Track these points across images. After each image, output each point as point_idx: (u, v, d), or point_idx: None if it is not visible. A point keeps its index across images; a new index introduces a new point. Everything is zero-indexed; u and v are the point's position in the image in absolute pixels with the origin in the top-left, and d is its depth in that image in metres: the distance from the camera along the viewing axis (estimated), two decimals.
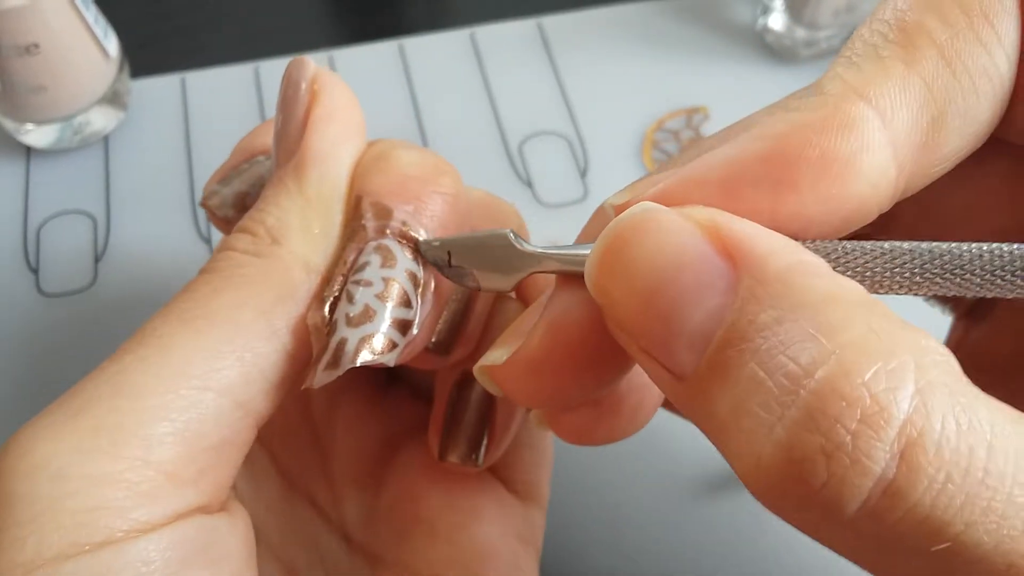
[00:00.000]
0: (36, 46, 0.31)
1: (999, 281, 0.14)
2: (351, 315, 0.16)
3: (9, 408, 0.30)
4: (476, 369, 0.18)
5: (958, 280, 0.15)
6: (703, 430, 0.14)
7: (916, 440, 0.11)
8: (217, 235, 0.33)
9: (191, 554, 0.15)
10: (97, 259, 0.33)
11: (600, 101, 0.37)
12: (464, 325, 0.19)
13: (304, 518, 0.21)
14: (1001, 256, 0.14)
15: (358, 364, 0.16)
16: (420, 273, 0.17)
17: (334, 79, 0.19)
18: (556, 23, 0.40)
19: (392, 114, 0.37)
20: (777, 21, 0.37)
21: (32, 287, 0.32)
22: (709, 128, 0.36)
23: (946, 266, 0.15)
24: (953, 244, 0.15)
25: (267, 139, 0.20)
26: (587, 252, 0.14)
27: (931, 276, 0.15)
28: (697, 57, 0.38)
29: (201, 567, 0.15)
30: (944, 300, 0.21)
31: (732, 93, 0.37)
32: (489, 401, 0.20)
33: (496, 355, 0.17)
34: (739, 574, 0.27)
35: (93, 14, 0.32)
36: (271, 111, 0.36)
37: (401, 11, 0.42)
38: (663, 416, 0.30)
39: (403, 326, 0.17)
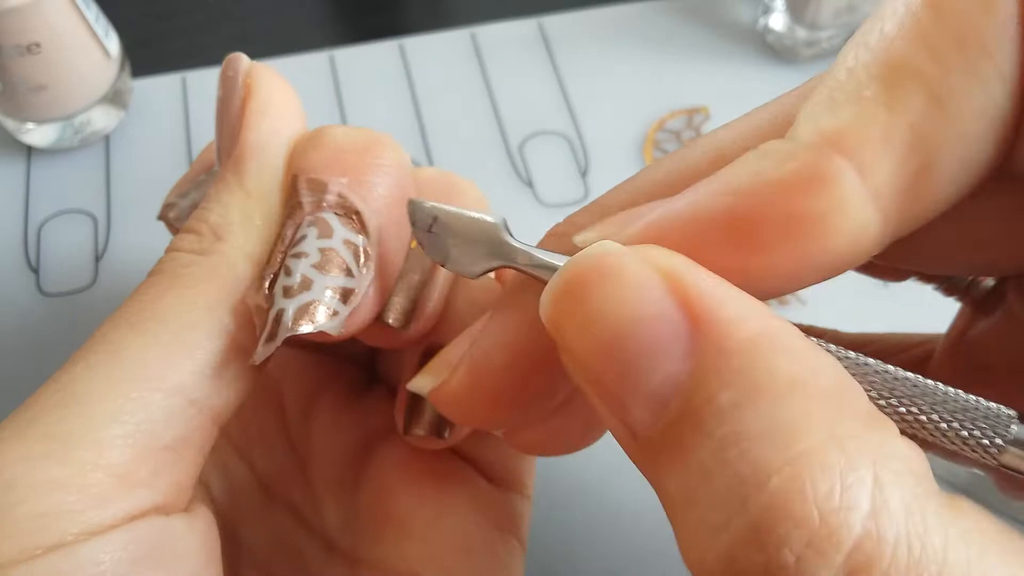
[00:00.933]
0: (37, 45, 0.31)
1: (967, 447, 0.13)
2: (288, 286, 0.17)
3: (9, 408, 0.30)
4: (407, 385, 0.17)
5: (931, 427, 0.13)
6: (655, 491, 0.13)
7: (863, 566, 0.11)
8: None
9: (143, 555, 0.15)
10: (97, 259, 0.33)
11: (601, 101, 0.37)
12: (424, 300, 0.19)
13: (285, 527, 0.21)
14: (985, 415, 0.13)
15: (299, 332, 0.16)
16: (360, 242, 0.17)
17: (267, 71, 0.19)
18: (557, 23, 0.40)
19: (392, 114, 0.37)
20: (778, 21, 0.37)
21: (32, 287, 0.32)
22: (710, 128, 0.36)
23: (923, 407, 0.13)
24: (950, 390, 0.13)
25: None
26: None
27: (899, 407, 0.14)
28: (698, 57, 0.38)
29: (154, 567, 0.15)
30: (951, 289, 0.21)
31: (733, 93, 0.37)
32: None
33: (420, 383, 0.17)
34: None
35: (94, 13, 0.32)
36: None
37: (401, 11, 0.42)
38: None
39: (344, 295, 0.17)
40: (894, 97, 0.13)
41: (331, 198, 0.18)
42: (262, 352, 0.16)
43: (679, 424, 0.12)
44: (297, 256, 0.17)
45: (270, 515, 0.21)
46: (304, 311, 0.16)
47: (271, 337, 0.16)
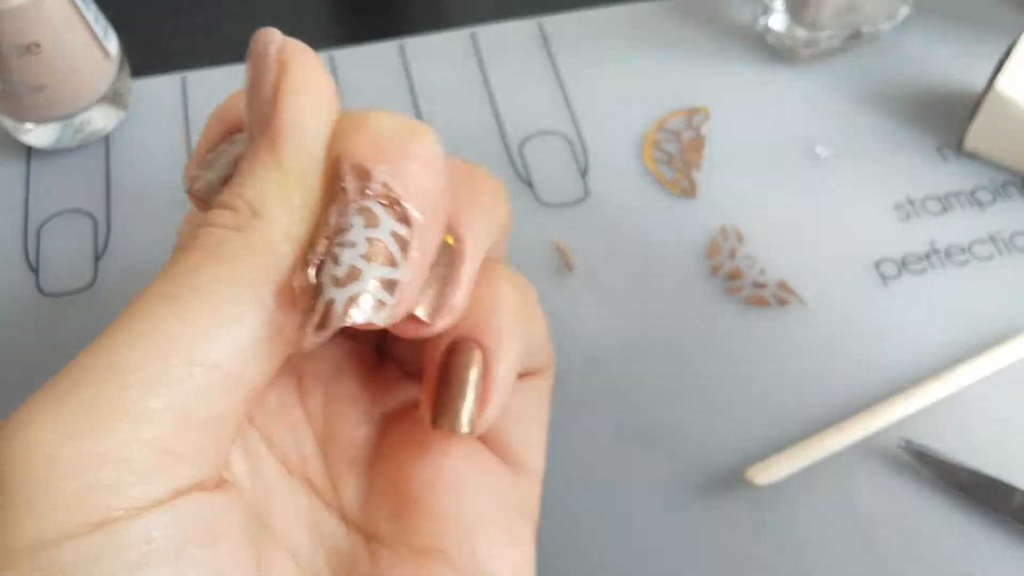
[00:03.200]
0: (37, 45, 0.31)
1: None
2: (337, 276, 0.16)
3: (9, 408, 0.30)
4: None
5: None
6: None
7: None
8: None
9: (191, 532, 0.15)
10: (97, 258, 0.33)
11: (601, 101, 0.37)
12: (453, 293, 0.19)
13: (302, 502, 0.21)
14: None
15: (348, 324, 0.16)
16: (404, 233, 0.17)
17: (302, 48, 0.19)
18: (557, 23, 0.40)
19: None
20: (778, 21, 0.37)
21: (32, 287, 0.32)
22: (710, 128, 0.36)
23: None
24: None
25: (241, 112, 0.20)
26: None
27: None
28: (698, 57, 0.38)
29: (201, 545, 0.15)
30: None
31: (733, 93, 0.37)
32: (482, 367, 0.20)
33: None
34: (739, 574, 0.27)
35: (93, 13, 0.32)
36: None
37: (401, 11, 0.42)
38: (664, 416, 0.30)
39: (390, 286, 0.17)
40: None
41: (376, 187, 0.17)
42: (312, 340, 0.16)
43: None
44: (344, 245, 0.17)
45: (287, 490, 0.21)
46: (353, 301, 0.16)
47: (322, 326, 0.16)
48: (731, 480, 0.29)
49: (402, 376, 0.23)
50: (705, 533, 0.28)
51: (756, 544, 0.28)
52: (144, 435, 0.15)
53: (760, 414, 0.30)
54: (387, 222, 0.17)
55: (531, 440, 0.23)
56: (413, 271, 0.17)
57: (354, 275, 0.17)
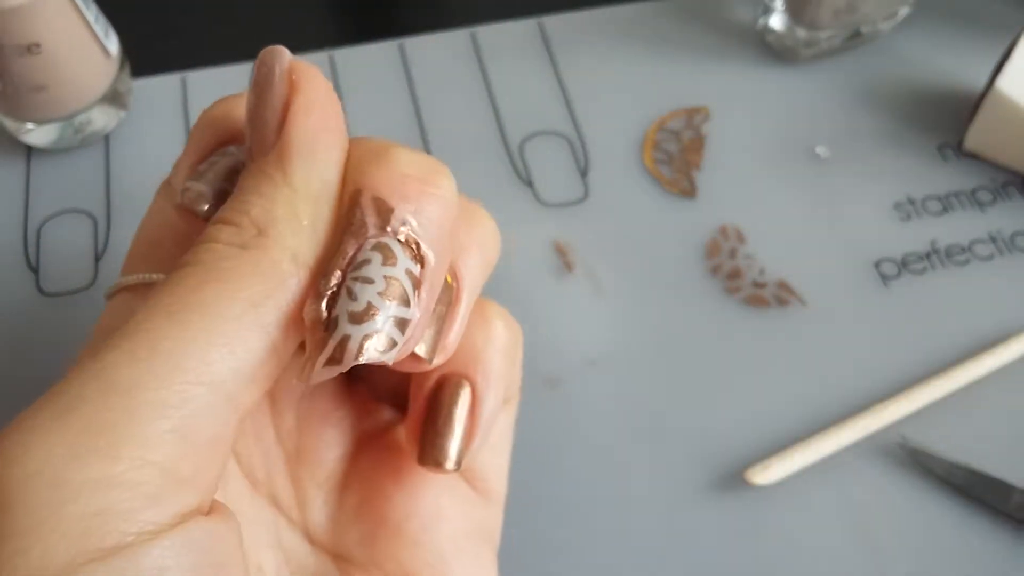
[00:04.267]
0: (37, 45, 0.31)
1: None
2: (354, 312, 0.16)
3: (10, 408, 0.30)
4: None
5: None
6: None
7: None
8: None
9: (200, 559, 0.15)
10: (98, 258, 0.33)
11: (601, 101, 0.37)
12: (449, 332, 0.19)
13: (267, 519, 0.21)
14: None
15: (360, 362, 0.16)
16: (418, 272, 0.17)
17: (312, 69, 0.18)
18: (557, 23, 0.40)
19: (392, 114, 0.37)
20: (778, 21, 0.37)
21: (32, 287, 0.32)
22: (710, 128, 0.36)
23: None
24: None
25: (232, 121, 0.20)
26: None
27: None
28: (698, 57, 0.38)
29: (211, 573, 0.15)
30: None
31: (733, 93, 0.37)
32: (469, 404, 0.20)
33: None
34: (739, 574, 0.27)
35: (94, 13, 0.32)
36: None
37: (401, 11, 0.42)
38: (664, 416, 0.30)
39: (402, 324, 0.17)
40: None
41: (396, 224, 0.17)
42: (321, 374, 0.16)
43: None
44: (362, 281, 0.17)
45: (253, 506, 0.21)
46: (368, 339, 0.16)
47: (335, 361, 0.16)
48: (731, 480, 0.29)
49: (373, 398, 0.23)
50: (705, 533, 0.28)
51: (756, 544, 0.28)
52: (152, 457, 0.15)
53: (760, 414, 0.30)
54: (403, 260, 0.17)
55: (499, 468, 0.23)
56: (423, 311, 0.17)
57: (371, 313, 0.16)
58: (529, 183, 0.35)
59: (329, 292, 0.17)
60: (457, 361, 0.20)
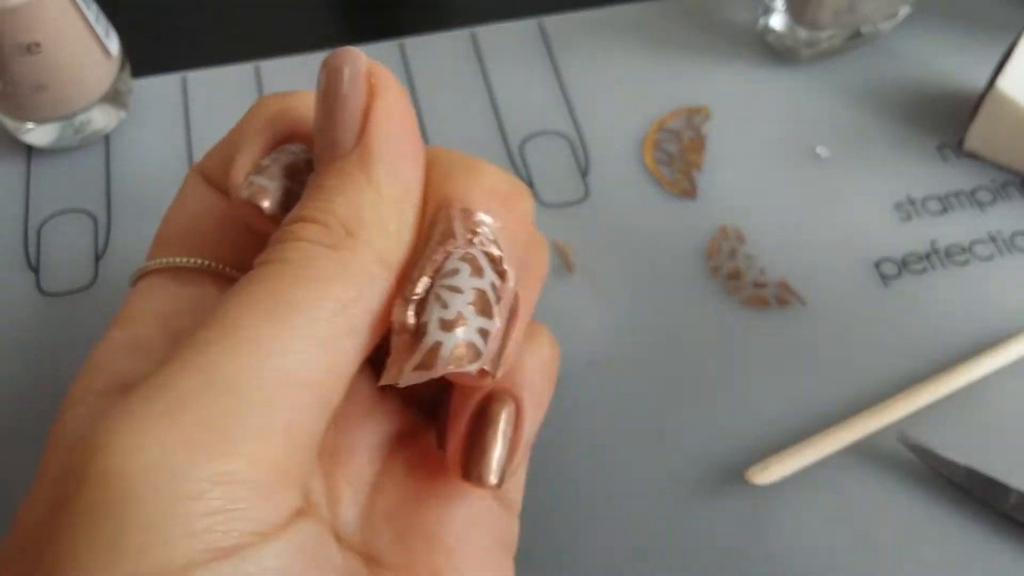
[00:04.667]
0: (37, 45, 0.31)
1: None
2: (445, 319, 0.16)
3: (9, 407, 0.30)
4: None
5: None
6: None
7: None
8: None
9: (307, 558, 0.15)
10: (98, 258, 0.33)
11: (601, 101, 0.37)
12: (508, 347, 0.19)
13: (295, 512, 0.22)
14: None
15: (449, 370, 0.16)
16: (499, 286, 0.18)
17: (388, 73, 0.19)
18: (557, 23, 0.40)
19: None
20: (778, 21, 0.37)
21: (32, 286, 0.32)
22: (710, 128, 0.36)
23: None
24: None
25: (291, 119, 0.20)
26: None
27: None
28: (698, 57, 0.38)
29: (316, 574, 0.15)
30: None
31: (733, 93, 0.37)
32: (515, 420, 0.21)
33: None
34: (739, 574, 0.27)
35: (94, 13, 0.32)
36: None
37: (401, 11, 0.42)
38: (664, 416, 0.30)
39: (485, 336, 0.17)
40: None
41: (483, 238, 0.18)
42: (410, 378, 0.16)
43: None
44: (453, 290, 0.17)
45: (282, 499, 0.22)
46: (459, 348, 0.16)
47: (424, 367, 0.16)
48: (731, 480, 0.29)
49: (403, 402, 0.23)
50: (705, 533, 0.28)
51: (756, 544, 0.28)
52: (265, 456, 0.15)
53: (760, 414, 0.30)
54: (489, 273, 0.17)
55: (519, 480, 0.23)
56: (500, 324, 0.18)
57: (460, 322, 0.17)
58: (529, 183, 0.35)
59: (416, 298, 0.17)
60: (504, 378, 0.20)
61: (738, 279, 0.33)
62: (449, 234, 0.17)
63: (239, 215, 0.20)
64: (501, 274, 0.18)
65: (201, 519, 0.14)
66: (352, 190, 0.17)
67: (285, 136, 0.20)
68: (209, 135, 0.36)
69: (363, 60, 0.18)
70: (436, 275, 0.17)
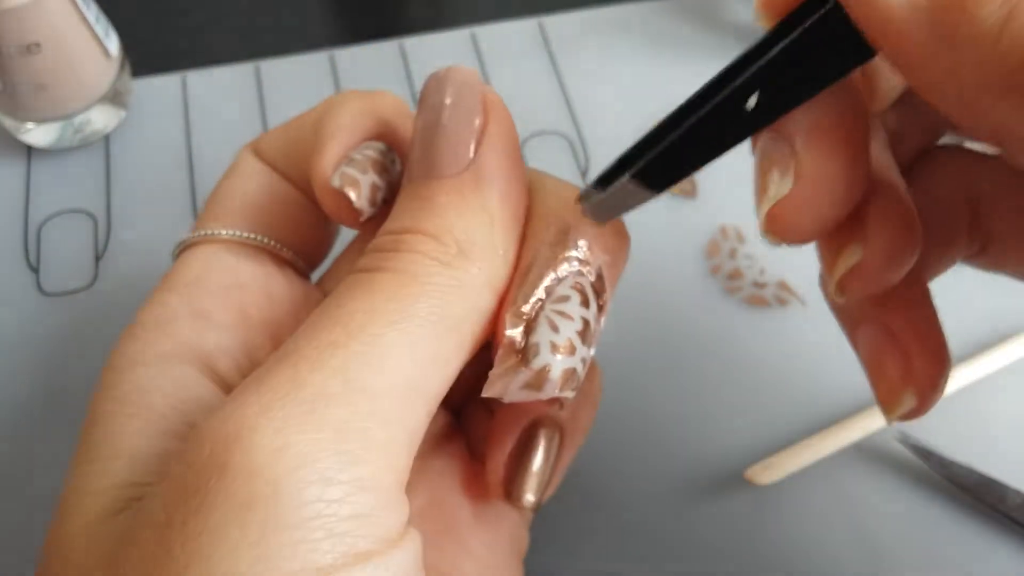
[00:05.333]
0: (37, 45, 0.31)
1: None
2: (556, 343, 0.17)
3: (9, 407, 0.30)
4: (762, 225, 0.17)
5: None
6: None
7: None
8: None
9: (419, 566, 0.15)
10: (98, 258, 0.33)
11: (601, 101, 0.37)
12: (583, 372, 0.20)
13: None
14: None
15: (556, 394, 0.17)
16: (597, 317, 0.18)
17: (499, 98, 0.19)
18: (557, 23, 0.40)
19: None
20: None
21: (32, 286, 0.32)
22: None
23: None
24: None
25: (377, 120, 0.20)
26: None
27: None
28: (698, 57, 0.38)
29: None
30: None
31: None
32: (559, 447, 0.21)
33: (776, 189, 0.17)
34: (739, 574, 0.27)
35: (94, 13, 0.32)
36: (272, 110, 0.36)
37: (402, 11, 0.42)
38: (664, 416, 0.30)
39: (584, 365, 0.17)
40: None
41: (594, 270, 0.18)
42: (516, 396, 0.17)
43: None
44: (564, 316, 0.17)
45: (404, 507, 0.22)
46: (567, 373, 0.17)
47: (532, 387, 0.16)
48: (731, 480, 0.29)
49: (443, 412, 0.24)
50: (705, 533, 0.28)
51: (756, 544, 0.28)
52: (392, 463, 0.15)
53: (760, 414, 0.30)
54: (593, 304, 0.18)
55: None
56: (591, 354, 0.18)
57: (570, 349, 0.17)
58: None
59: (526, 319, 0.17)
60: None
61: (738, 279, 0.33)
62: (561, 261, 0.18)
63: (321, 201, 0.20)
64: (601, 307, 0.18)
65: (342, 523, 0.14)
66: (467, 210, 0.18)
67: (371, 134, 0.20)
68: (209, 135, 0.36)
69: (478, 80, 0.19)
70: (547, 299, 0.17)
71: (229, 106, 0.37)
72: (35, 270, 0.33)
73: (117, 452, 0.17)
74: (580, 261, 0.18)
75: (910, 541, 0.28)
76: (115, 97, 0.35)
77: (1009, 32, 0.12)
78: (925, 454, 0.29)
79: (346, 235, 0.24)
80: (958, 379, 0.30)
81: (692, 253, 0.33)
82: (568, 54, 0.39)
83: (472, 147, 0.18)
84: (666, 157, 0.16)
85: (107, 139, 0.36)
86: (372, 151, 0.20)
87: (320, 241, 0.23)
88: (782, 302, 0.32)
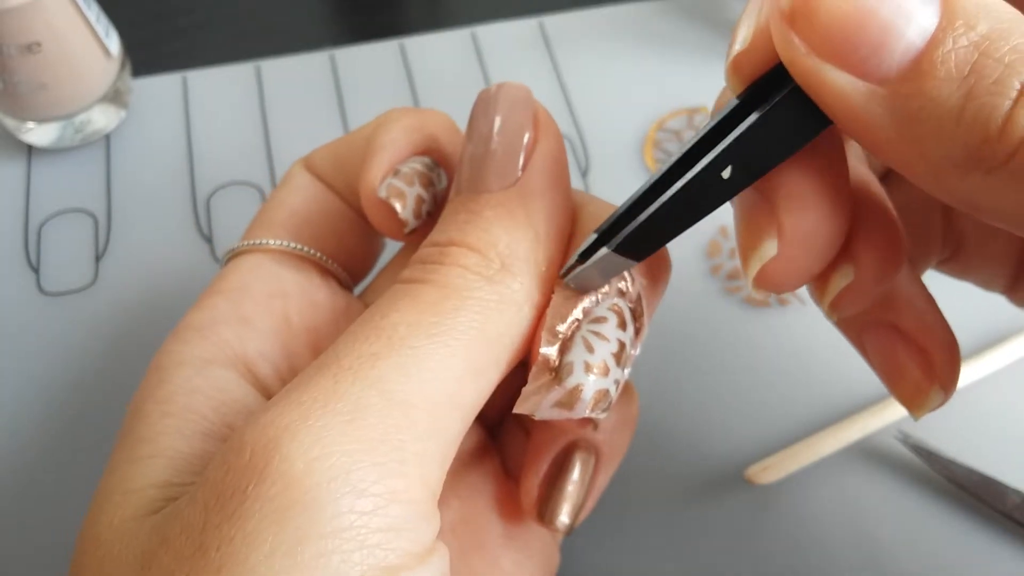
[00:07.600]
0: (38, 45, 0.31)
1: None
2: (590, 363, 0.17)
3: (9, 407, 0.30)
4: (751, 283, 0.17)
5: None
6: (895, 135, 0.13)
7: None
8: (219, 235, 0.33)
9: None
10: (98, 258, 0.33)
11: (601, 101, 0.37)
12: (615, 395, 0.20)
13: None
14: None
15: (587, 414, 0.17)
16: (633, 340, 0.18)
17: (549, 115, 0.19)
18: (557, 23, 0.40)
19: None
20: None
21: (33, 286, 0.32)
22: None
23: None
24: None
25: (424, 135, 0.21)
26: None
27: None
28: (698, 57, 0.38)
29: None
30: None
31: None
32: (593, 467, 0.21)
33: (762, 252, 0.17)
34: (739, 574, 0.27)
35: (95, 13, 0.32)
36: (272, 110, 0.36)
37: (402, 10, 0.42)
38: (664, 416, 0.30)
39: (617, 387, 0.17)
40: None
41: (633, 294, 0.18)
42: (548, 413, 0.17)
43: (926, 57, 0.13)
44: (600, 337, 0.17)
45: (436, 521, 0.22)
46: (600, 394, 0.17)
47: (565, 406, 0.16)
48: (731, 480, 0.29)
49: (477, 427, 0.24)
50: (705, 533, 0.28)
51: (756, 544, 0.28)
52: (427, 478, 0.15)
53: (760, 414, 0.30)
54: (630, 327, 0.18)
55: None
56: (625, 377, 0.18)
57: (605, 370, 0.17)
58: None
59: (562, 338, 0.17)
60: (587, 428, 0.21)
61: (738, 279, 0.33)
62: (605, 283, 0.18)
63: (367, 212, 0.20)
64: (638, 330, 0.18)
65: (374, 534, 0.14)
66: (512, 226, 0.18)
67: (419, 149, 0.21)
68: (209, 134, 0.36)
69: (531, 97, 0.19)
70: (584, 319, 0.17)
71: (229, 106, 0.37)
72: (35, 270, 0.33)
73: (157, 451, 0.17)
74: (620, 282, 0.18)
75: (910, 541, 0.28)
76: (115, 97, 0.35)
77: (969, 111, 0.12)
78: (925, 454, 0.29)
79: (390, 250, 0.24)
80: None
81: (692, 253, 0.33)
82: (569, 54, 0.39)
83: (520, 163, 0.18)
84: (646, 229, 0.16)
85: (107, 139, 0.36)
86: (419, 165, 0.20)
87: (365, 255, 0.23)
88: (782, 302, 0.32)
